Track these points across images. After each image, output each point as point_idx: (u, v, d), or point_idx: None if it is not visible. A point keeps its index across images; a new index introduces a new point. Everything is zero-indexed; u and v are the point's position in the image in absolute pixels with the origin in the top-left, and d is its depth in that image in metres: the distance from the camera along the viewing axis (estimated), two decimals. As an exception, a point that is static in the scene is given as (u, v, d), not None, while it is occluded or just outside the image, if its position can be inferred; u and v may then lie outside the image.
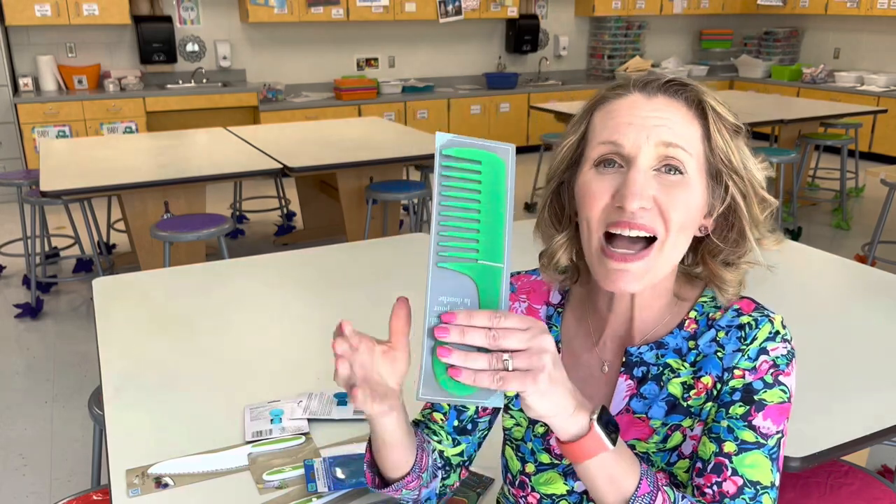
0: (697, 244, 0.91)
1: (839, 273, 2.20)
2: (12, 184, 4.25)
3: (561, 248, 0.94)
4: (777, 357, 0.85)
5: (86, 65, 6.29)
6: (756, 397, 0.84)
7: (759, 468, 0.83)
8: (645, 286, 0.86)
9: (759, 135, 7.68)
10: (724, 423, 0.85)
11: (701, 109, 0.86)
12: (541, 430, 0.98)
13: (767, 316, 0.87)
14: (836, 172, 6.63)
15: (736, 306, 0.90)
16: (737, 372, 0.85)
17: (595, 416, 0.75)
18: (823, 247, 2.44)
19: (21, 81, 6.00)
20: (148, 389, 1.53)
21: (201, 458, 1.30)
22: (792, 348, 0.87)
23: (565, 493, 0.95)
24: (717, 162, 0.85)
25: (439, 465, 1.00)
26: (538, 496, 0.97)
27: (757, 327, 0.86)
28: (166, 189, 3.61)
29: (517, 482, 1.00)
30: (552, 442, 0.96)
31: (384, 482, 0.95)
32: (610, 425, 0.77)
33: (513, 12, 7.56)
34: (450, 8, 7.22)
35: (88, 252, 4.65)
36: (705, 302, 0.93)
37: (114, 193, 3.79)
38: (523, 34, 7.80)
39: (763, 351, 0.85)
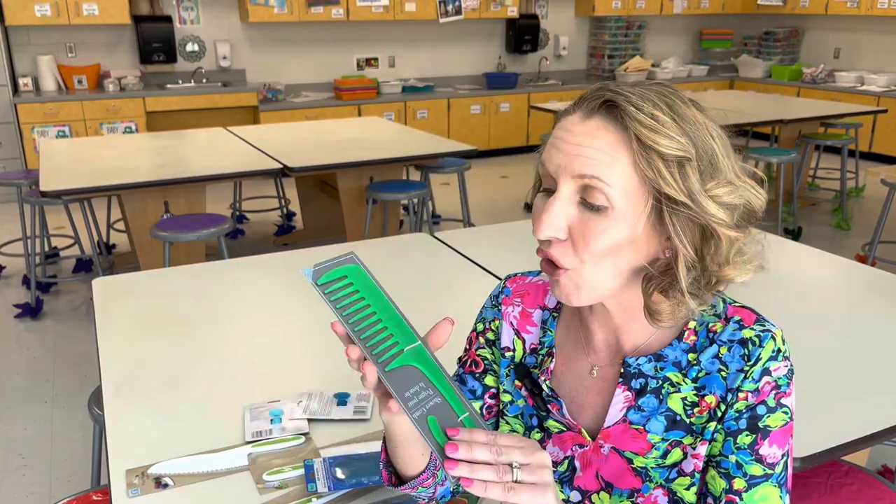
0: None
1: (839, 273, 2.20)
2: (12, 184, 4.25)
3: None
4: (779, 377, 0.86)
5: (86, 65, 6.29)
6: (761, 424, 0.85)
7: (768, 500, 0.85)
8: (590, 301, 0.85)
9: (760, 135, 7.68)
10: (733, 459, 0.86)
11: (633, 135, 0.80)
12: (536, 436, 0.98)
13: (770, 331, 0.87)
14: (836, 172, 6.63)
15: (737, 317, 0.89)
16: (741, 394, 0.86)
17: None
18: (823, 247, 2.44)
19: (21, 81, 6.01)
20: (148, 389, 1.53)
21: (201, 458, 1.30)
22: (791, 365, 0.88)
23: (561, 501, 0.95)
24: (653, 191, 0.80)
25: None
26: None
27: (760, 345, 0.86)
28: (166, 189, 3.61)
29: None
30: (548, 449, 0.96)
31: (400, 480, 0.96)
32: None
33: (513, 12, 7.56)
34: (450, 8, 7.22)
35: (88, 252, 4.65)
36: (704, 311, 0.91)
37: (114, 193, 3.79)
38: (523, 34, 7.80)
39: (766, 372, 0.85)
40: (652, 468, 0.90)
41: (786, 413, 0.86)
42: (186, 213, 3.69)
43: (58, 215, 5.37)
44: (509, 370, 1.02)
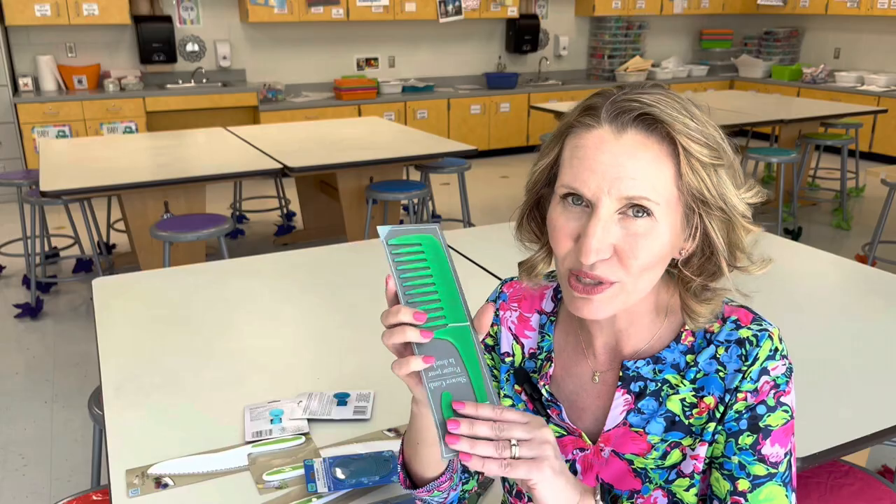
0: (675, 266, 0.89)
1: (839, 273, 2.20)
2: (12, 184, 4.25)
3: (541, 260, 0.95)
4: (777, 377, 0.86)
5: (86, 65, 6.29)
6: (761, 424, 0.85)
7: (774, 500, 0.85)
8: (615, 312, 0.85)
9: (760, 135, 7.68)
10: (736, 460, 0.86)
11: (674, 146, 0.80)
12: None
13: (767, 330, 0.87)
14: (836, 172, 6.63)
15: (734, 317, 0.89)
16: (739, 395, 0.86)
17: (598, 498, 0.80)
18: (823, 247, 2.44)
19: (21, 81, 6.01)
20: (148, 389, 1.53)
21: (201, 458, 1.30)
22: (790, 363, 0.87)
23: None
24: (688, 198, 0.82)
25: (459, 469, 1.01)
26: None
27: (758, 345, 0.86)
28: (166, 189, 3.61)
29: (514, 491, 1.01)
30: None
31: (414, 484, 0.96)
32: (613, 499, 0.80)
33: (513, 12, 7.56)
34: (450, 8, 7.22)
35: (88, 252, 4.65)
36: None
37: (114, 193, 3.79)
38: (523, 34, 7.80)
39: (764, 371, 0.85)
40: (651, 469, 0.90)
41: (786, 412, 0.86)
42: (186, 213, 3.69)
43: (58, 215, 5.37)
44: (509, 375, 1.02)
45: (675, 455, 0.89)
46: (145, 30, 6.20)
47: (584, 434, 0.93)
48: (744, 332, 0.87)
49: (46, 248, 4.56)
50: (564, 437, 0.95)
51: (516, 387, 1.00)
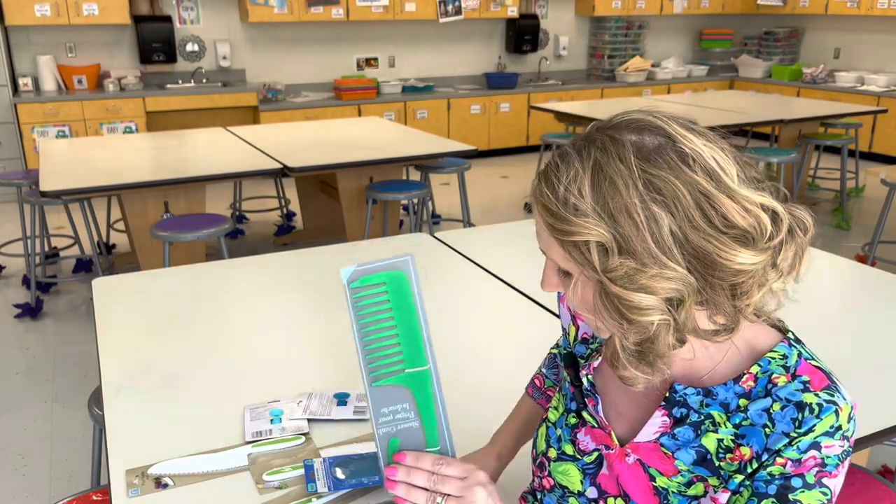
0: None
1: (839, 273, 2.20)
2: (12, 184, 4.25)
3: None
4: (828, 456, 0.78)
5: (86, 65, 6.29)
6: (791, 496, 0.78)
7: None
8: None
9: (760, 135, 7.68)
10: None
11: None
12: (573, 420, 0.97)
13: (835, 404, 0.78)
14: (836, 172, 6.63)
15: (805, 377, 0.81)
16: (779, 459, 0.79)
17: None
18: (823, 247, 2.44)
19: (21, 81, 6.01)
20: (148, 389, 1.53)
21: (201, 458, 1.30)
22: (849, 447, 0.79)
23: (576, 492, 0.94)
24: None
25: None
26: (552, 482, 0.97)
27: (818, 416, 0.78)
28: (166, 189, 3.61)
29: (538, 461, 1.01)
30: (579, 437, 0.96)
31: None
32: None
33: (513, 12, 7.56)
34: (450, 8, 7.22)
35: (88, 252, 4.65)
36: (773, 358, 0.84)
37: (114, 193, 3.79)
38: (523, 34, 7.80)
39: (815, 446, 0.78)
40: (673, 492, 0.87)
41: (825, 494, 0.78)
42: (186, 213, 3.69)
43: (58, 215, 5.37)
44: (559, 353, 1.06)
45: (698, 487, 0.85)
46: (145, 30, 6.21)
47: (613, 434, 0.92)
48: (808, 397, 0.79)
49: (46, 248, 4.56)
50: (596, 428, 0.94)
51: (565, 369, 1.02)
